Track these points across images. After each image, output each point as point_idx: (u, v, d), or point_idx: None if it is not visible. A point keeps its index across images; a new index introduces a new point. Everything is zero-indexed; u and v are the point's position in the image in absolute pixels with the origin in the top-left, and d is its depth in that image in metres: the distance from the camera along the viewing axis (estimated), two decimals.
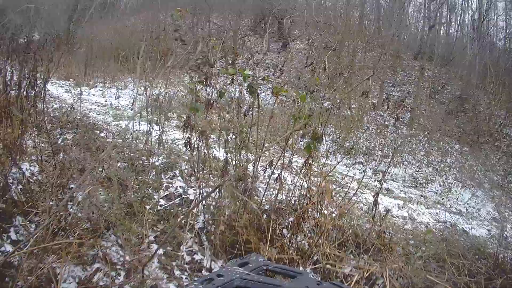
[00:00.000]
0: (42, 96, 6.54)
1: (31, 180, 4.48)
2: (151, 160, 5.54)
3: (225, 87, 4.43)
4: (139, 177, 5.15)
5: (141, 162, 5.65)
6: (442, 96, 17.65)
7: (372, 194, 4.61)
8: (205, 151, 4.50)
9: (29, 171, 4.65)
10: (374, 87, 14.94)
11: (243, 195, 3.89)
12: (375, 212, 4.43)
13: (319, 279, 3.65)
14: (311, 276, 1.53)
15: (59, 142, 6.05)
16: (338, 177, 7.32)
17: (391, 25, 18.47)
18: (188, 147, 4.34)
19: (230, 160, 4.23)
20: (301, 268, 3.75)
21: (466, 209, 9.04)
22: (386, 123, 12.90)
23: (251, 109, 4.25)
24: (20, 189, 4.17)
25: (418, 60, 19.73)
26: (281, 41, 20.14)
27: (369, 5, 23.27)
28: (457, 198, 9.63)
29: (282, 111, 10.33)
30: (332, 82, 10.76)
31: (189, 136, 4.31)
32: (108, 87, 13.45)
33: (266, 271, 1.21)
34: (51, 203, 3.85)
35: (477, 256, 4.68)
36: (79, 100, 8.98)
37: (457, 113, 15.97)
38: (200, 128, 4.17)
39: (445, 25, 22.71)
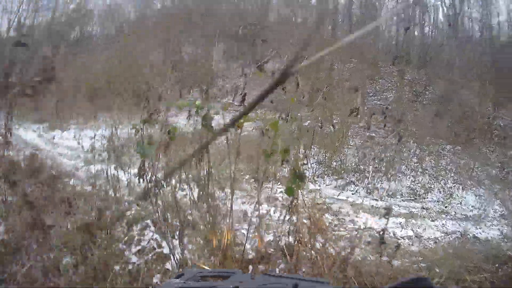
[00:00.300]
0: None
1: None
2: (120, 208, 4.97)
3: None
4: (108, 230, 4.53)
5: (110, 211, 5.05)
6: (425, 99, 17.27)
7: (370, 217, 3.99)
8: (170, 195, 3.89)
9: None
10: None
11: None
12: (382, 251, 3.79)
13: None
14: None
15: (27, 192, 5.57)
16: (329, 202, 6.67)
17: (365, 32, 18.14)
18: (149, 196, 3.70)
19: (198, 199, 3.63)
20: None
21: (472, 212, 8.45)
22: (372, 134, 12.35)
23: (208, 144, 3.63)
24: None
25: (395, 65, 19.40)
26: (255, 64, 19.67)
27: (340, 15, 23.00)
28: (461, 203, 9.00)
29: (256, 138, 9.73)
30: (311, 100, 10.22)
31: (146, 185, 3.68)
32: (82, 128, 12.72)
33: (202, 277, 1.24)
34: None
35: (496, 265, 4.29)
36: (51, 145, 8.48)
37: (443, 114, 15.55)
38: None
39: (419, 25, 22.51)
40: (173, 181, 4.14)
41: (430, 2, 22.50)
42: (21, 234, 4.09)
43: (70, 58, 19.62)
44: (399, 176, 9.99)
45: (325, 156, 10.04)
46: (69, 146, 10.33)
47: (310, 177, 8.57)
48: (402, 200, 8.86)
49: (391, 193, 9.04)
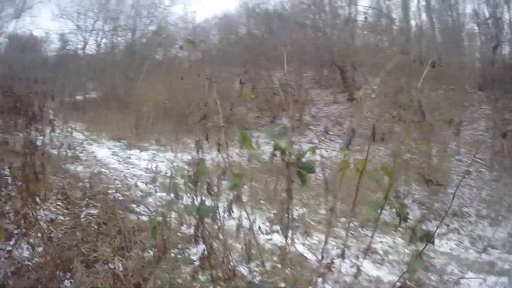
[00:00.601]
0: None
1: (28, 263, 3.68)
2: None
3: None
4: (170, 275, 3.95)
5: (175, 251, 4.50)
6: None
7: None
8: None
9: (29, 250, 3.90)
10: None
11: None
12: None
13: None
14: None
15: (81, 216, 5.23)
16: (432, 256, 5.64)
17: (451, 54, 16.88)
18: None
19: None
20: None
21: None
22: (470, 169, 11.03)
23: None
24: (11, 272, 3.46)
25: (484, 90, 17.68)
26: (346, 91, 18.77)
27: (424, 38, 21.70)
28: None
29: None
30: (409, 129, 9.32)
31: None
32: (162, 150, 12.60)
33: None
34: None
35: None
36: (125, 165, 8.27)
37: None
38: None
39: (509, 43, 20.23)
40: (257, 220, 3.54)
41: None
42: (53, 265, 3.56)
43: (152, 79, 19.87)
44: (499, 220, 8.70)
45: (424, 194, 8.92)
46: (145, 168, 10.14)
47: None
48: (504, 252, 7.47)
49: (493, 241, 7.77)
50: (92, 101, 22.37)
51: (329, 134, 13.72)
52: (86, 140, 13.55)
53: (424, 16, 21.44)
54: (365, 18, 18.99)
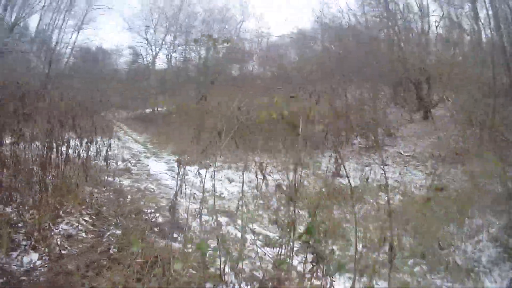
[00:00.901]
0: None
1: (23, 278, 3.37)
2: None
3: None
4: None
5: None
6: None
7: None
8: None
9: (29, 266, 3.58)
10: None
11: None
12: None
13: None
14: None
15: (105, 235, 4.76)
16: None
17: None
18: None
19: None
20: None
21: None
22: None
23: None
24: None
25: None
26: (421, 109, 17.36)
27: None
28: None
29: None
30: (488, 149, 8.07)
31: None
32: (228, 168, 11.94)
33: None
34: None
35: None
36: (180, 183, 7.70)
37: None
38: None
39: None
40: None
41: None
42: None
43: (225, 94, 19.62)
44: None
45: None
46: (200, 186, 9.60)
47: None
48: None
49: None
50: (162, 115, 22.53)
51: (404, 155, 12.52)
52: (145, 153, 13.37)
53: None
54: (437, 29, 18.29)
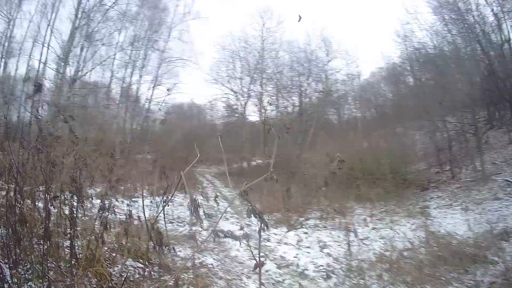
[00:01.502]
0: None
1: None
2: None
3: None
4: None
5: None
6: None
7: None
8: None
9: None
10: None
11: None
12: None
13: None
14: None
15: None
16: None
17: None
18: None
19: None
20: None
21: None
22: None
23: None
24: None
25: None
26: None
27: None
28: None
29: None
30: None
31: None
32: (321, 227, 9.56)
33: None
34: None
35: None
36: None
37: None
38: None
39: None
40: None
41: None
42: None
43: (323, 141, 18.42)
44: None
45: None
46: (282, 258, 6.94)
47: None
48: None
49: None
50: (257, 168, 20.99)
51: None
52: (227, 212, 11.19)
53: None
54: None
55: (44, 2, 19.11)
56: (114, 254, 4.94)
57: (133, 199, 11.69)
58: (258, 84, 23.89)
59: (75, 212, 4.26)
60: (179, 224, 8.93)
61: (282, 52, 24.15)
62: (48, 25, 19.12)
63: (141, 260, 5.28)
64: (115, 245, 5.24)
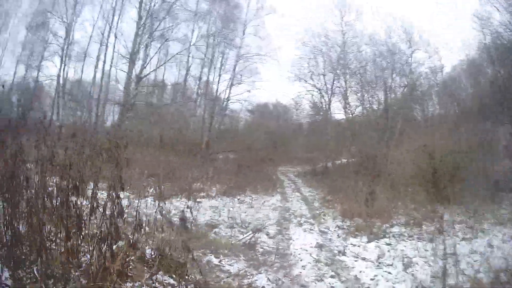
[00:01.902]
0: None
1: None
2: None
3: None
4: None
5: None
6: None
7: None
8: None
9: None
10: None
11: None
12: None
13: None
14: None
15: None
16: None
17: None
18: None
19: None
20: None
21: None
22: None
23: None
24: None
25: None
26: None
27: None
28: None
29: None
30: None
31: None
32: (407, 236, 7.95)
33: None
34: None
35: None
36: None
37: None
38: None
39: None
40: None
41: None
42: None
43: (409, 139, 16.61)
44: None
45: None
46: (364, 284, 5.47)
47: None
48: None
49: None
50: (342, 167, 19.57)
51: None
52: (303, 216, 9.98)
53: None
54: None
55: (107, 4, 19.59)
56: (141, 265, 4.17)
57: (198, 200, 10.97)
58: (341, 80, 22.45)
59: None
60: (241, 229, 7.82)
61: (364, 46, 22.55)
62: (111, 27, 19.56)
63: (174, 276, 4.26)
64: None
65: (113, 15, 19.54)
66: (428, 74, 21.29)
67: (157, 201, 7.79)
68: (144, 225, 4.44)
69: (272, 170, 19.63)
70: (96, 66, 19.62)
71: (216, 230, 7.53)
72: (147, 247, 4.60)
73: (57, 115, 18.82)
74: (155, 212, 4.73)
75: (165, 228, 4.95)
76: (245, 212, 9.58)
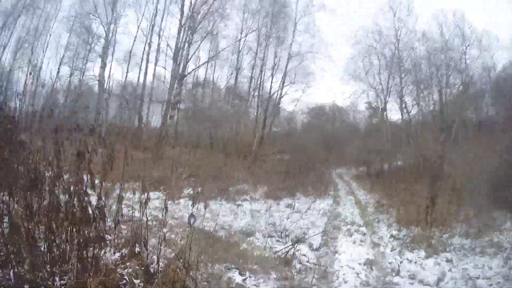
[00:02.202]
0: None
1: None
2: None
3: None
4: None
5: None
6: None
7: None
8: None
9: None
10: None
11: None
12: None
13: None
14: None
15: None
16: None
17: None
18: None
19: None
20: None
21: None
22: None
23: None
24: None
25: None
26: None
27: None
28: None
29: None
30: None
31: None
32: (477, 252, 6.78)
33: None
34: None
35: None
36: None
37: None
38: None
39: None
40: None
41: None
42: None
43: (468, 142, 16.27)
44: None
45: None
46: None
47: None
48: None
49: None
50: (396, 170, 18.72)
51: None
52: (354, 223, 9.01)
53: None
54: None
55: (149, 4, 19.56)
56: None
57: (237, 203, 10.20)
58: (396, 79, 21.32)
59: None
60: (280, 239, 6.90)
61: (418, 43, 21.29)
62: (153, 25, 19.42)
63: None
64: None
65: (155, 15, 19.46)
66: (480, 73, 20.22)
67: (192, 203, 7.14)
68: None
69: (326, 172, 18.74)
70: (140, 66, 19.65)
71: (251, 238, 6.64)
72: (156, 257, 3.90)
73: (106, 115, 18.97)
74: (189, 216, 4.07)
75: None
76: (289, 218, 8.62)
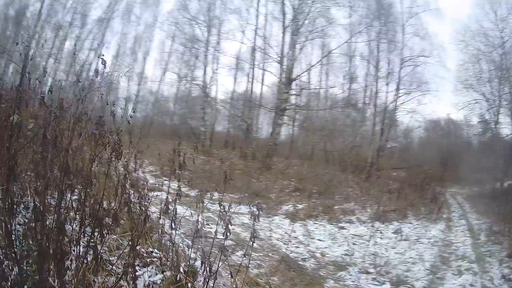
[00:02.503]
0: None
1: None
2: None
3: None
4: None
5: None
6: None
7: None
8: None
9: None
10: None
11: None
12: None
13: None
14: None
15: None
16: None
17: None
18: None
19: None
20: None
21: None
22: None
23: None
24: None
25: None
26: None
27: None
28: None
29: None
30: None
31: None
32: None
33: None
34: None
35: None
36: None
37: None
38: None
39: None
40: None
41: None
42: None
43: None
44: None
45: None
46: None
47: None
48: None
49: None
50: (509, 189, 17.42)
51: None
52: (466, 259, 7.81)
53: None
54: None
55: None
56: None
57: (340, 225, 9.46)
58: (507, 87, 19.28)
59: None
60: (378, 277, 6.06)
61: None
62: (256, 27, 19.68)
63: None
64: None
65: (257, 18, 19.83)
66: None
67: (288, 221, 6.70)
68: None
69: (440, 191, 17.29)
70: (247, 73, 20.45)
71: (342, 273, 5.78)
72: None
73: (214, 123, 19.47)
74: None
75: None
76: (394, 248, 7.71)
